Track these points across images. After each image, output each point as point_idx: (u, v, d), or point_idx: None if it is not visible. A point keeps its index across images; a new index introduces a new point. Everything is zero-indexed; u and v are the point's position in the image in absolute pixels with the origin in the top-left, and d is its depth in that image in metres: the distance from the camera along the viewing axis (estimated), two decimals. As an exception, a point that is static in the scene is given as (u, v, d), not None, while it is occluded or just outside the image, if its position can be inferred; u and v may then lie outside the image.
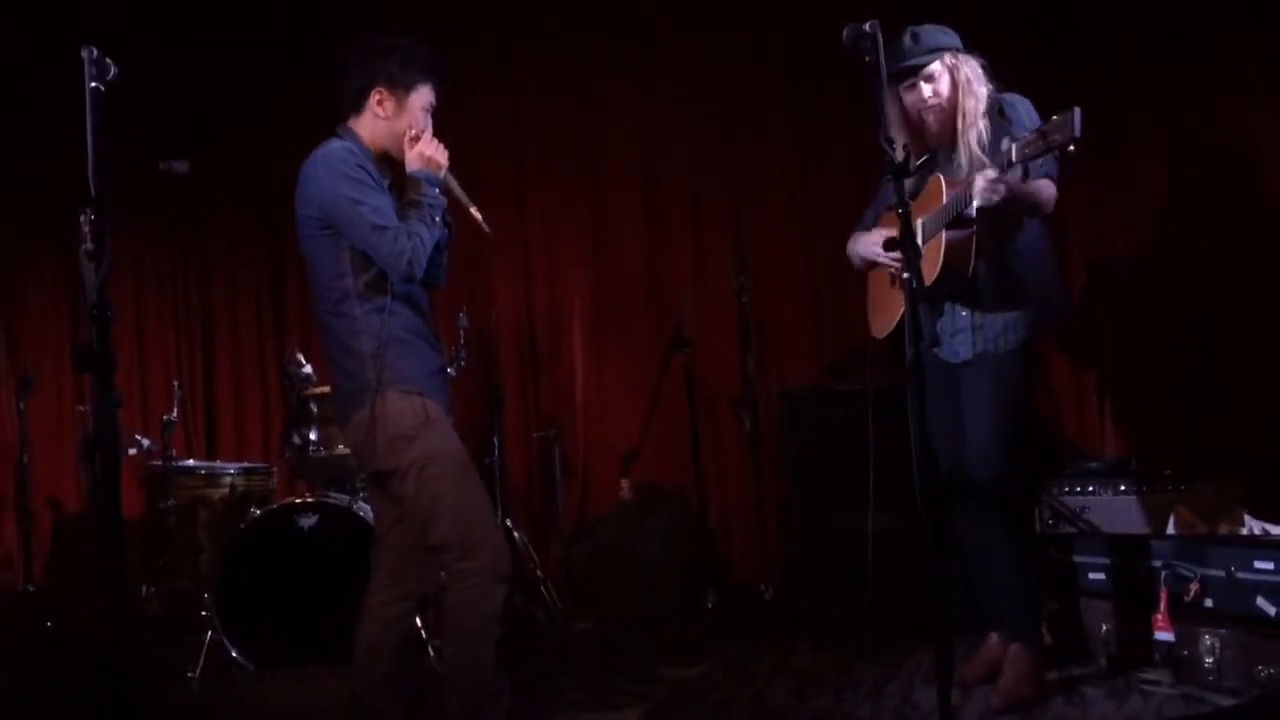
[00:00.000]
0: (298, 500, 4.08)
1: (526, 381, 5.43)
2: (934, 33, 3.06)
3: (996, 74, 3.06)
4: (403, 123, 2.71)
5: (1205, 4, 4.42)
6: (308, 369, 4.14)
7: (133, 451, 4.43)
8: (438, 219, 2.68)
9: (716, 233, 5.15)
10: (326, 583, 3.85)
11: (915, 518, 2.35)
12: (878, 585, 3.82)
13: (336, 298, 2.66)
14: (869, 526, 3.65)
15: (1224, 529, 3.52)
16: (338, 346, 2.68)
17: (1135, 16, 4.55)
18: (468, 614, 2.57)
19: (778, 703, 3.23)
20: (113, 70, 2.27)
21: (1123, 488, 3.84)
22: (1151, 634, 3.07)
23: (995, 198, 2.75)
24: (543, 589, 4.71)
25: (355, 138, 2.72)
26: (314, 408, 4.09)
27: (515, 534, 4.79)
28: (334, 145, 2.69)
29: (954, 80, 3.02)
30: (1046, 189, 2.91)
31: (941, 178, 3.00)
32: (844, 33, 2.41)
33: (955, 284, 2.98)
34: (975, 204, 2.78)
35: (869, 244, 3.23)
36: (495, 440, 4.88)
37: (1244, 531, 3.50)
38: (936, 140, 3.11)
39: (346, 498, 4.01)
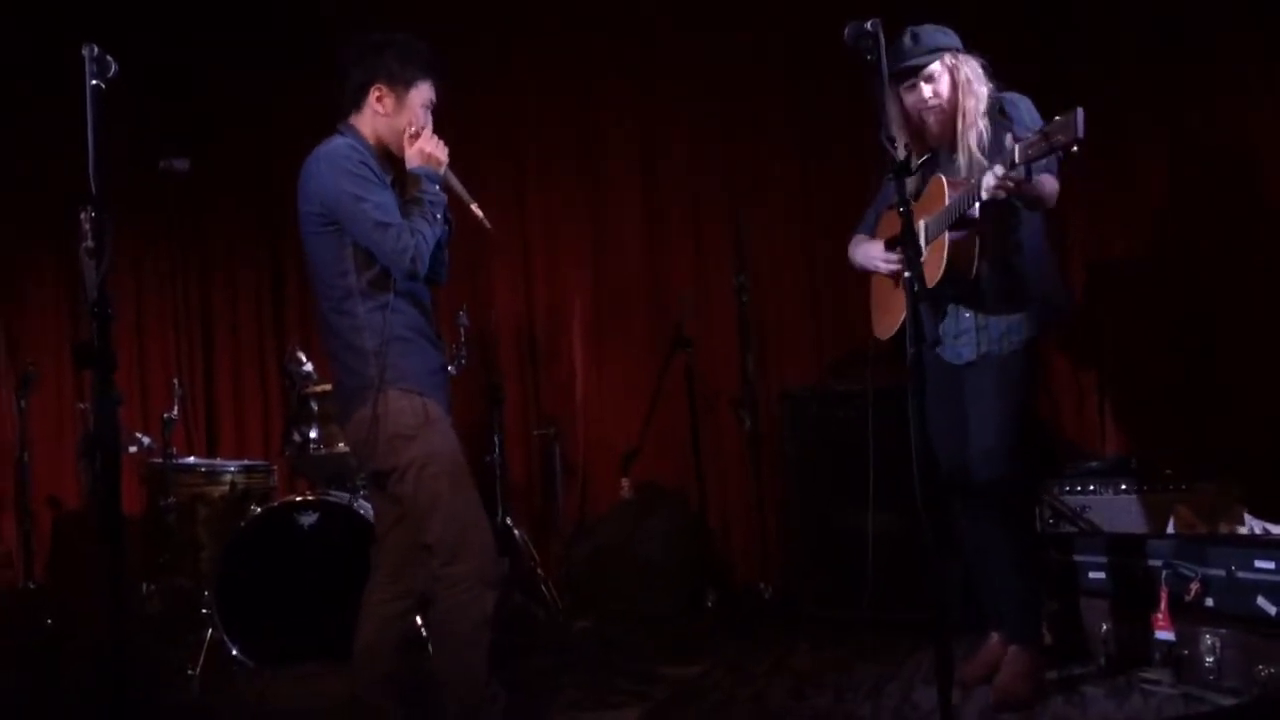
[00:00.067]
0: (298, 498, 4.08)
1: (527, 380, 5.43)
2: (934, 33, 3.05)
3: (996, 74, 3.05)
4: (403, 119, 2.71)
5: (1205, 4, 4.43)
6: (308, 367, 4.14)
7: (133, 449, 4.43)
8: (439, 216, 2.68)
9: (716, 232, 5.15)
10: (327, 581, 3.85)
11: (915, 518, 2.35)
12: (877, 585, 3.82)
13: (339, 295, 2.66)
14: (869, 526, 3.65)
15: (1224, 528, 3.52)
16: (340, 344, 2.68)
17: (1135, 16, 4.55)
18: (459, 619, 2.57)
19: (777, 702, 3.23)
20: (114, 68, 2.28)
21: (1123, 487, 3.85)
22: (1152, 633, 3.07)
23: (1002, 194, 2.75)
24: (543, 588, 4.72)
25: (357, 134, 2.72)
26: (314, 406, 4.09)
27: (516, 532, 4.79)
28: (336, 142, 2.69)
29: (954, 80, 3.02)
30: (1049, 183, 2.91)
31: (944, 178, 2.99)
32: (845, 31, 2.42)
33: (958, 285, 2.98)
34: (983, 199, 2.78)
35: (869, 255, 3.22)
36: (496, 439, 4.89)
37: (1244, 531, 3.50)
38: (937, 140, 3.10)
39: (347, 496, 4.01)
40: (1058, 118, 2.53)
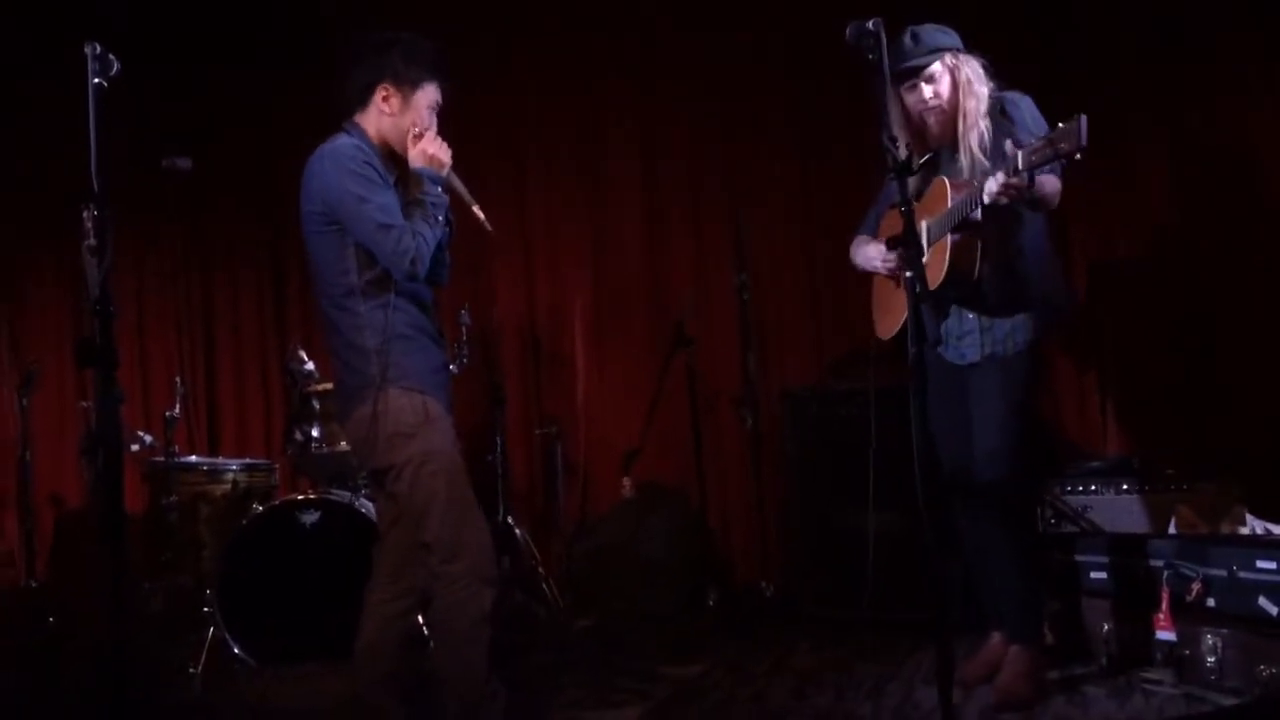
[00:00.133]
0: (300, 497, 4.08)
1: (528, 379, 5.44)
2: (934, 33, 3.05)
3: (997, 73, 3.05)
4: (408, 120, 2.71)
5: (1205, 4, 4.43)
6: (310, 366, 4.14)
7: (135, 448, 4.43)
8: (440, 218, 2.68)
9: (716, 232, 5.15)
10: (328, 579, 3.85)
11: (916, 517, 2.35)
12: (878, 585, 3.81)
13: (340, 293, 2.66)
14: (869, 526, 3.65)
15: (1226, 529, 3.52)
16: (341, 342, 2.68)
17: (1135, 16, 4.55)
18: (458, 617, 2.57)
19: (778, 702, 3.23)
20: (116, 66, 2.27)
21: (1125, 487, 3.84)
22: (1153, 633, 3.07)
23: (1004, 200, 2.75)
24: (544, 586, 4.72)
25: (362, 133, 2.72)
26: (316, 405, 4.09)
27: (517, 531, 4.80)
28: (341, 141, 2.69)
29: (954, 81, 3.02)
30: (1050, 184, 2.90)
31: (946, 180, 2.99)
32: (847, 30, 2.41)
33: (961, 287, 2.98)
34: (986, 204, 2.78)
35: (868, 256, 3.22)
36: (497, 438, 4.90)
37: (1246, 531, 3.50)
38: (938, 141, 3.10)
39: (348, 494, 4.02)
40: (1061, 125, 2.52)
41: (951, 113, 3.03)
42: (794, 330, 5.14)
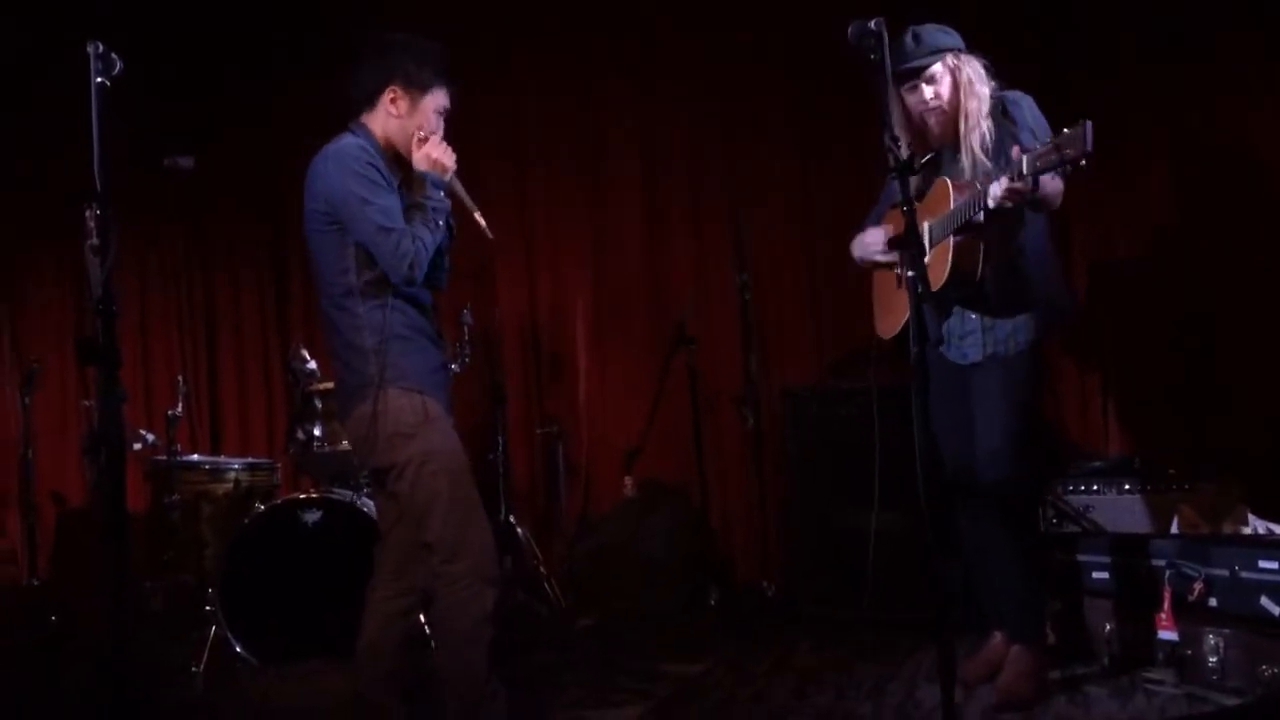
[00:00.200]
0: (302, 496, 4.08)
1: (530, 379, 5.44)
2: (935, 33, 3.05)
3: (997, 74, 3.05)
4: (414, 123, 2.71)
5: (1205, 4, 4.43)
6: (312, 365, 4.15)
7: (137, 446, 4.43)
8: (441, 223, 2.68)
9: (717, 232, 5.16)
10: (330, 578, 3.85)
11: (917, 517, 2.35)
12: (879, 584, 3.82)
13: (340, 293, 2.66)
14: (870, 525, 3.65)
15: (1228, 528, 3.52)
16: (340, 341, 2.69)
17: (1135, 17, 4.55)
18: (459, 617, 2.57)
19: (779, 701, 3.23)
20: (118, 65, 2.28)
21: (1126, 487, 3.84)
22: (1155, 633, 3.07)
23: (1009, 204, 2.75)
24: (546, 585, 4.73)
25: (368, 134, 2.72)
26: (318, 404, 4.09)
27: (519, 530, 4.80)
28: (347, 141, 2.69)
29: (955, 82, 3.02)
30: (1053, 185, 2.90)
31: (949, 181, 2.99)
32: (849, 30, 2.41)
33: (963, 288, 2.98)
34: (990, 208, 2.77)
35: (866, 246, 3.23)
36: (499, 437, 4.90)
37: (1248, 531, 3.50)
38: (938, 141, 3.10)
39: (350, 493, 4.02)
40: (1067, 130, 2.52)
41: (952, 113, 3.03)
42: (795, 330, 5.14)
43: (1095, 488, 3.89)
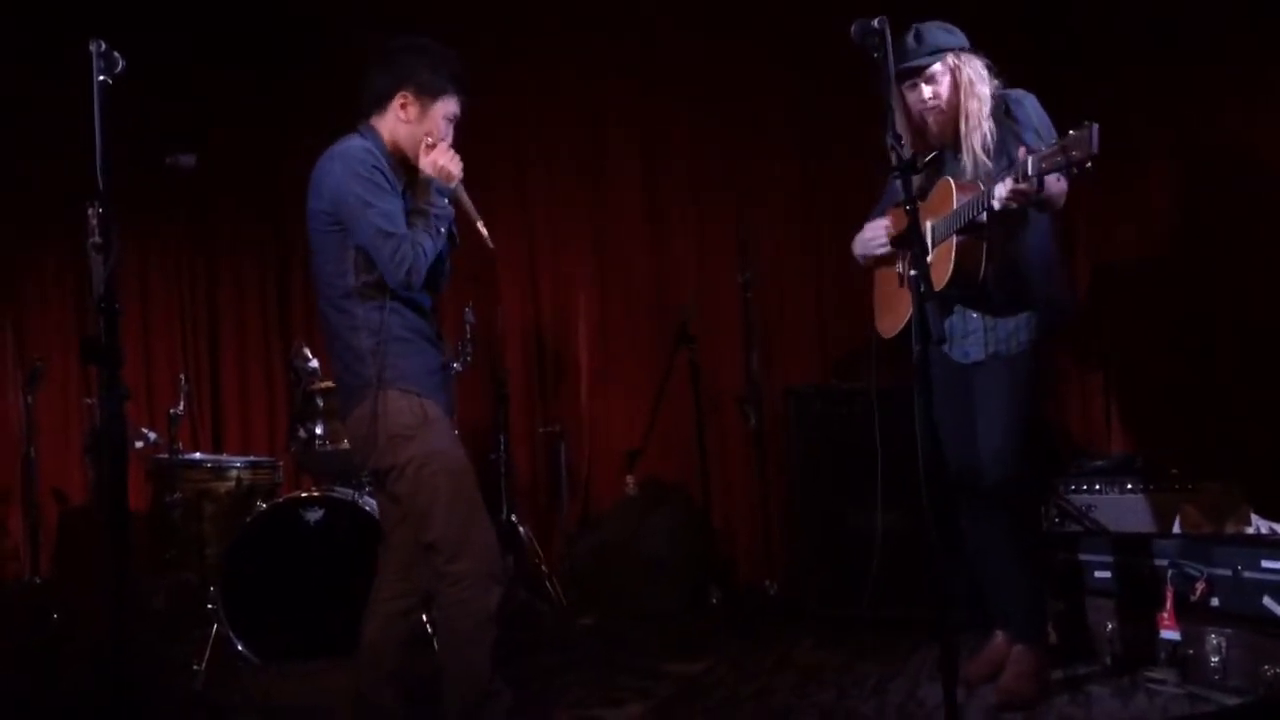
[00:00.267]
0: (303, 494, 4.08)
1: (532, 378, 5.44)
2: (938, 32, 3.04)
3: (999, 73, 3.04)
4: (424, 129, 2.71)
5: (1205, 4, 4.42)
6: (314, 364, 4.14)
7: (139, 445, 4.44)
8: (443, 230, 2.67)
9: (718, 232, 5.16)
10: (332, 577, 3.85)
11: (919, 516, 2.34)
12: (881, 583, 3.81)
13: (339, 294, 2.66)
14: (873, 524, 3.65)
15: (1231, 528, 3.52)
16: (339, 342, 2.68)
17: (1135, 17, 4.55)
18: (461, 617, 2.57)
19: (781, 699, 3.23)
20: (120, 64, 2.27)
21: (1129, 486, 3.85)
22: (1157, 633, 3.07)
23: (1014, 205, 2.75)
24: (547, 584, 4.73)
25: (376, 137, 2.71)
26: (320, 402, 4.09)
27: (520, 529, 4.80)
28: (354, 143, 2.68)
29: (955, 82, 3.01)
30: (1057, 185, 2.90)
31: (951, 181, 2.98)
32: (853, 29, 2.41)
33: (966, 287, 2.97)
34: (995, 209, 2.77)
35: (866, 242, 3.22)
36: (501, 436, 4.90)
37: (1251, 531, 3.50)
38: (938, 140, 3.10)
39: (352, 492, 4.02)
40: (1072, 132, 2.51)
41: (951, 113, 3.02)
42: (797, 329, 5.14)
43: (1097, 487, 3.89)
